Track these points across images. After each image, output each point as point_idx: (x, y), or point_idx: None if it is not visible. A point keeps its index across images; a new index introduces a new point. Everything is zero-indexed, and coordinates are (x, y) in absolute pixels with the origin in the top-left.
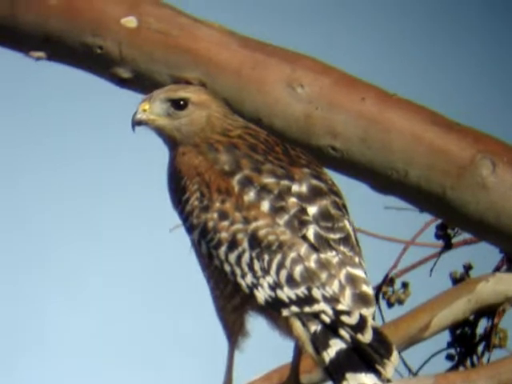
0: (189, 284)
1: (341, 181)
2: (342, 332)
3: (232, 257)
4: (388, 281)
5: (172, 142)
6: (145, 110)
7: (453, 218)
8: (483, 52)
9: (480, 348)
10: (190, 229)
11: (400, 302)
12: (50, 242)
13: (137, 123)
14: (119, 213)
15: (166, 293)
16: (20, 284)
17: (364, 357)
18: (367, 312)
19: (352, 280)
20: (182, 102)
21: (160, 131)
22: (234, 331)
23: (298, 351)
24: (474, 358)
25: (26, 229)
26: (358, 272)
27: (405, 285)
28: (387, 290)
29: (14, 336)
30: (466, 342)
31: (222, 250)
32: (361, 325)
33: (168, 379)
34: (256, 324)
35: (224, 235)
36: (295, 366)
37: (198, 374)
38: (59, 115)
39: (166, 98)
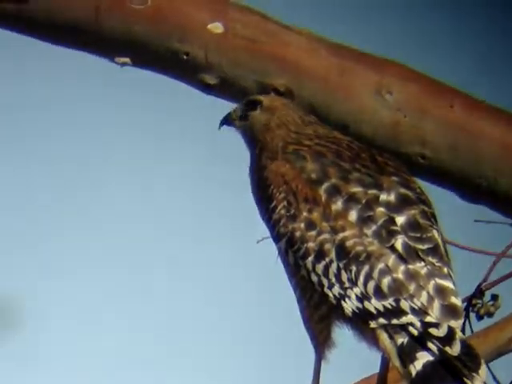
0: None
1: (429, 190)
2: (430, 344)
3: (319, 267)
4: (478, 293)
5: (253, 145)
6: (234, 111)
7: None
8: None
9: None
10: (276, 238)
11: (489, 314)
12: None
13: (223, 123)
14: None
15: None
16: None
17: (451, 370)
18: (456, 324)
19: (440, 291)
20: (253, 105)
21: (240, 132)
22: (321, 341)
23: (386, 362)
24: None
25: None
26: (447, 283)
27: (494, 297)
28: (477, 302)
29: None
30: None
31: (309, 260)
32: (449, 337)
33: None
34: (343, 334)
35: (311, 245)
36: (382, 376)
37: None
38: None
39: (245, 100)
